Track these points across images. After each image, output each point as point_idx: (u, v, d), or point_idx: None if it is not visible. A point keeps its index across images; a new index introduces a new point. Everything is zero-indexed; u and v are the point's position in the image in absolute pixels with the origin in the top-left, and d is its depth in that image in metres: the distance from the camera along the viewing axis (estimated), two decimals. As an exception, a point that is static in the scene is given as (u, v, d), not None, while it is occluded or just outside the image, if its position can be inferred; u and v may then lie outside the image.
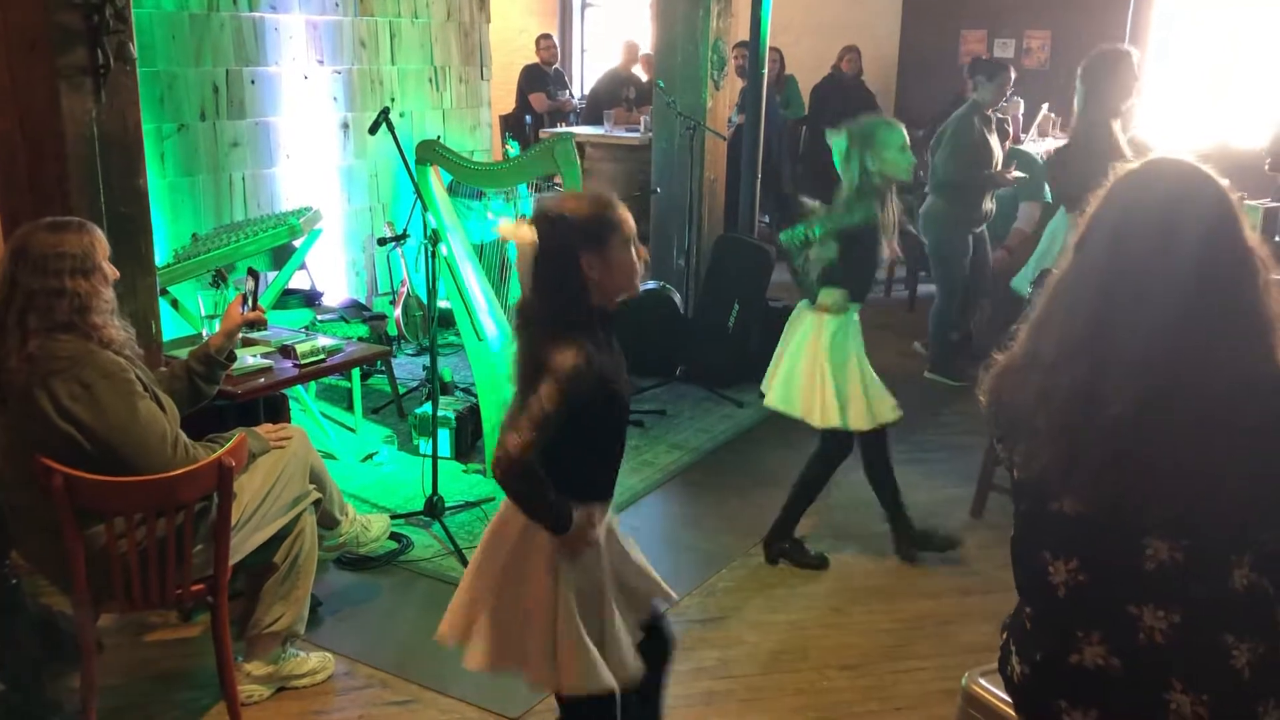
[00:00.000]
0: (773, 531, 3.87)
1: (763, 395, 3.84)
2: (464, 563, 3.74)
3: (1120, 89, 4.32)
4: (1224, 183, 1.59)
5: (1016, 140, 7.02)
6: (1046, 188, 6.08)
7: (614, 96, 9.07)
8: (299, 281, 5.33)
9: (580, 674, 2.17)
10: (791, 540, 3.87)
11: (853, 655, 3.31)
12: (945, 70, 9.13)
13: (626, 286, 2.19)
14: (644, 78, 9.05)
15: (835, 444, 3.73)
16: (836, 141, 3.57)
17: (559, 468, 2.13)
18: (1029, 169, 6.05)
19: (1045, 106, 7.88)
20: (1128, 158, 4.46)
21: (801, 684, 3.17)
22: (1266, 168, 4.91)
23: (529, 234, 2.13)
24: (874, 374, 3.70)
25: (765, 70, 6.20)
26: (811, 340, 3.65)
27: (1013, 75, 5.69)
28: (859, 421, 3.63)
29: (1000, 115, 6.46)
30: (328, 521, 3.33)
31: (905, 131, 3.56)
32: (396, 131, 3.95)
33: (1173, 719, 1.56)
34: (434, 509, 3.97)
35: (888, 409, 3.69)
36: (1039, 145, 7.40)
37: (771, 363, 3.81)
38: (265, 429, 3.13)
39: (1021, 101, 7.82)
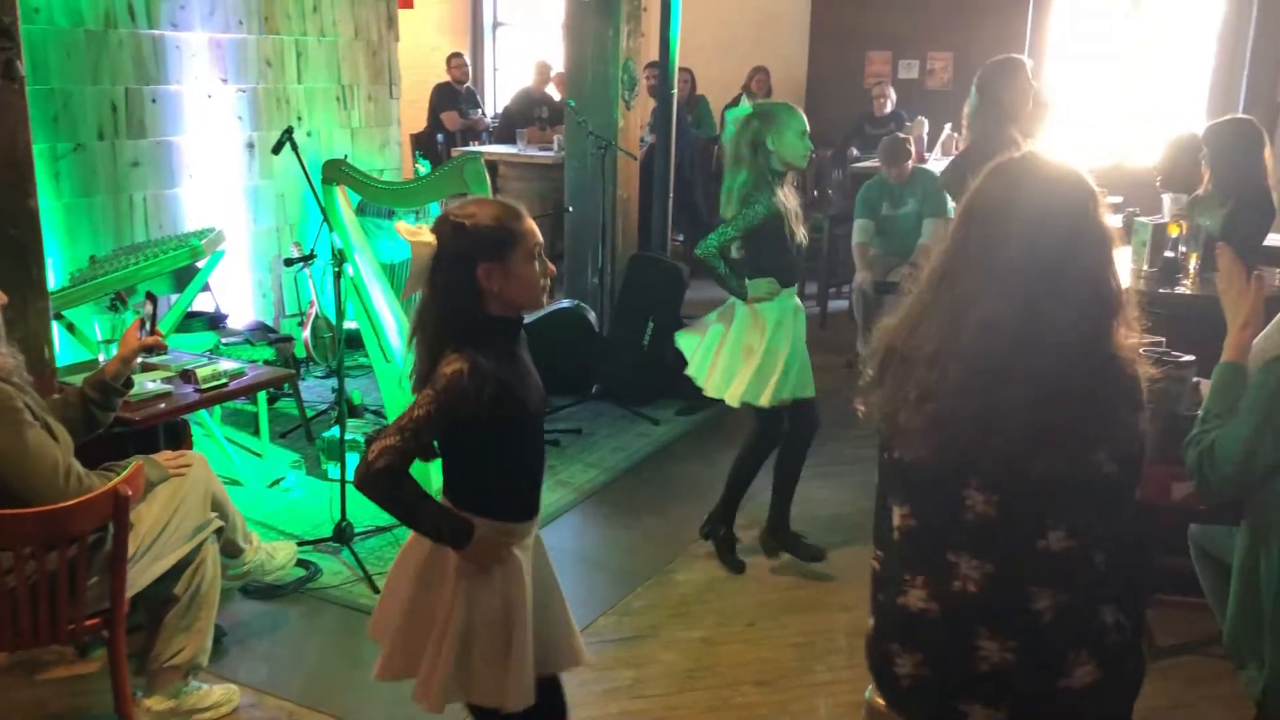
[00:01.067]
0: (713, 514, 3.98)
1: (686, 398, 3.86)
2: (374, 589, 3.68)
3: (1017, 96, 4.44)
4: (1080, 169, 1.68)
5: (921, 159, 7.17)
6: (950, 204, 6.21)
7: (527, 115, 9.07)
8: (203, 304, 5.20)
9: (486, 687, 2.14)
10: (728, 530, 3.95)
11: (767, 670, 3.33)
12: (852, 91, 9.31)
13: (528, 300, 2.14)
14: (557, 97, 9.06)
15: (765, 425, 3.80)
16: (737, 112, 3.60)
17: (467, 484, 2.11)
18: (932, 187, 6.18)
19: (948, 126, 8.06)
20: None
21: (715, 701, 3.18)
22: (1158, 185, 5.07)
23: (428, 238, 2.09)
24: (804, 358, 3.74)
25: (676, 90, 6.25)
26: (750, 327, 3.68)
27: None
28: (769, 397, 3.66)
29: (905, 135, 6.60)
30: (231, 550, 3.25)
31: (805, 120, 3.59)
32: (303, 151, 3.90)
33: (983, 665, 1.64)
34: (343, 535, 3.90)
35: (802, 386, 3.73)
36: (943, 163, 7.57)
37: (701, 350, 3.80)
38: (164, 456, 3.05)
39: (925, 121, 8.01)
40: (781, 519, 3.97)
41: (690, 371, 3.83)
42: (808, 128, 3.59)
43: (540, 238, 2.15)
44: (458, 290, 2.06)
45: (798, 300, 3.78)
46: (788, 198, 3.62)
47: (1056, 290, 1.60)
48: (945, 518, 1.67)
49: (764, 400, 3.67)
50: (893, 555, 1.74)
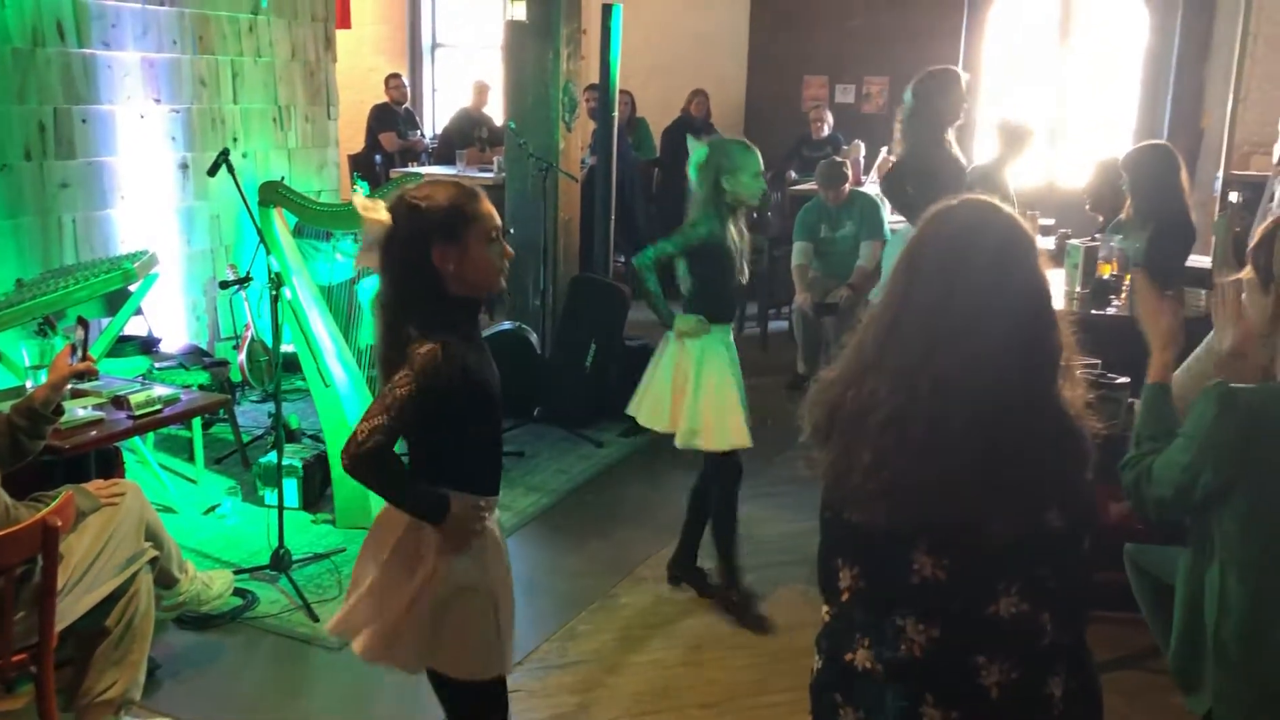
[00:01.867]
0: (676, 555, 3.93)
1: (630, 418, 3.81)
2: (313, 617, 3.62)
3: (950, 107, 4.52)
4: (1018, 218, 1.68)
5: (857, 182, 7.26)
6: (886, 227, 6.30)
7: (466, 136, 9.04)
8: (135, 327, 5.10)
9: (471, 660, 2.20)
10: (696, 569, 3.90)
11: (713, 693, 3.32)
12: (790, 114, 9.41)
13: (486, 282, 2.17)
14: (497, 117, 9.04)
15: (720, 467, 3.73)
16: (697, 150, 3.61)
17: (438, 461, 2.15)
18: (869, 210, 6.26)
19: (884, 150, 8.16)
20: (964, 169, 4.63)
21: (662, 725, 3.16)
22: (1087, 208, 5.19)
23: (382, 214, 2.10)
24: (736, 398, 3.66)
25: (616, 112, 6.27)
26: (678, 362, 3.64)
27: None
28: (710, 443, 3.63)
29: (841, 158, 6.69)
30: (166, 580, 3.17)
31: (760, 160, 3.62)
32: (239, 172, 3.84)
33: None
34: (280, 562, 3.83)
35: (737, 435, 3.65)
36: (879, 186, 7.68)
37: (640, 386, 3.78)
38: (95, 485, 2.97)
39: (862, 145, 8.11)
40: (690, 553, 3.91)
41: (629, 409, 3.80)
42: (762, 168, 3.62)
43: (498, 220, 2.18)
44: (414, 272, 2.09)
45: (730, 340, 3.74)
46: (737, 233, 3.62)
47: (1008, 346, 1.59)
48: (893, 580, 1.65)
49: (711, 445, 3.64)
50: (841, 612, 1.73)
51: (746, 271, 3.71)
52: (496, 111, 9.04)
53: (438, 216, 2.09)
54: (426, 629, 2.17)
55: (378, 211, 2.11)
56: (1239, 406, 1.92)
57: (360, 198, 2.17)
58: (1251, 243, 2.08)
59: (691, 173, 3.62)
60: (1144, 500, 2.10)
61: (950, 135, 4.60)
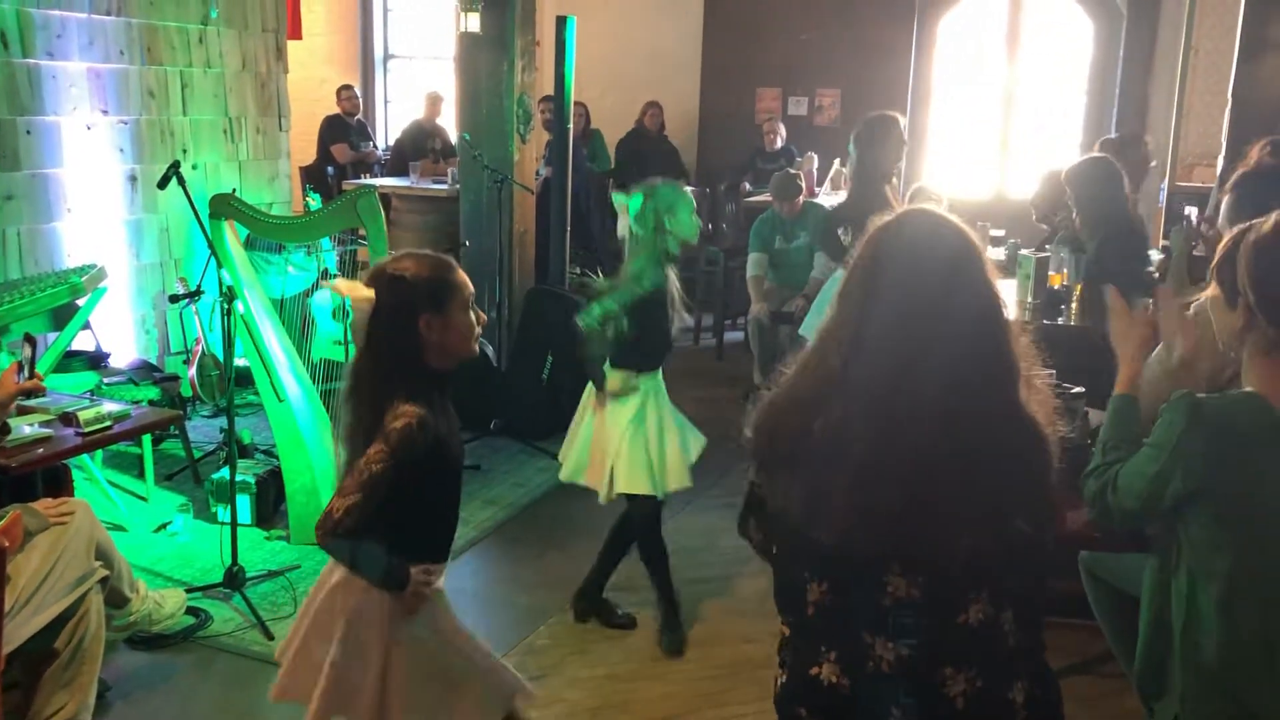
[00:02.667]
0: (580, 591, 3.82)
1: (534, 444, 3.77)
2: (268, 635, 3.56)
3: (889, 153, 4.61)
4: (968, 230, 1.67)
5: (811, 194, 7.32)
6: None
7: (419, 148, 8.99)
8: (83, 342, 5.01)
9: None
10: (600, 600, 3.82)
11: (674, 705, 3.32)
12: (743, 125, 9.47)
13: (464, 349, 2.21)
14: (449, 129, 9.01)
15: (640, 507, 3.65)
16: (632, 199, 3.54)
17: (396, 527, 2.13)
18: (821, 223, 6.30)
19: (837, 162, 8.25)
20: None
21: (623, 739, 3.15)
22: (1034, 218, 5.27)
23: (366, 292, 2.12)
24: (671, 443, 3.60)
25: (571, 124, 6.27)
26: (609, 414, 3.58)
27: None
28: (633, 486, 3.56)
29: (795, 170, 6.74)
30: (116, 600, 3.11)
31: (692, 198, 3.60)
32: (189, 184, 3.79)
33: None
34: (234, 580, 3.77)
35: (673, 478, 3.60)
36: (833, 198, 7.74)
37: (568, 434, 3.75)
38: (44, 504, 2.91)
39: (815, 157, 8.18)
40: (598, 585, 3.84)
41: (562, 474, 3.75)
42: (694, 204, 3.59)
43: (471, 287, 2.23)
44: (401, 343, 2.12)
45: (660, 383, 3.68)
46: (672, 279, 3.58)
47: (973, 360, 1.59)
48: (864, 600, 1.65)
49: (633, 488, 3.57)
50: (805, 626, 1.72)
51: (684, 316, 3.65)
52: (449, 123, 9.01)
53: (423, 286, 2.13)
54: (396, 701, 2.18)
55: (360, 290, 2.13)
56: (1207, 416, 1.94)
57: (341, 281, 2.20)
58: (1215, 259, 2.09)
59: (632, 223, 3.55)
60: (1108, 509, 2.12)
61: (891, 182, 4.69)
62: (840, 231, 4.71)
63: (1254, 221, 2.03)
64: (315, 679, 2.21)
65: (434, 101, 9.32)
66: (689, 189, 3.63)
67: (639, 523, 3.68)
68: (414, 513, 2.17)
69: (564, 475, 3.74)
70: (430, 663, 2.21)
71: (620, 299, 3.51)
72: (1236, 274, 2.01)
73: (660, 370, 3.69)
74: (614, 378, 3.56)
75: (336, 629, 2.19)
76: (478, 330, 2.23)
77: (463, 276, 2.21)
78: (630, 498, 3.62)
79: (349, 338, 5.00)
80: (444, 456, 2.16)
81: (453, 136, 9.23)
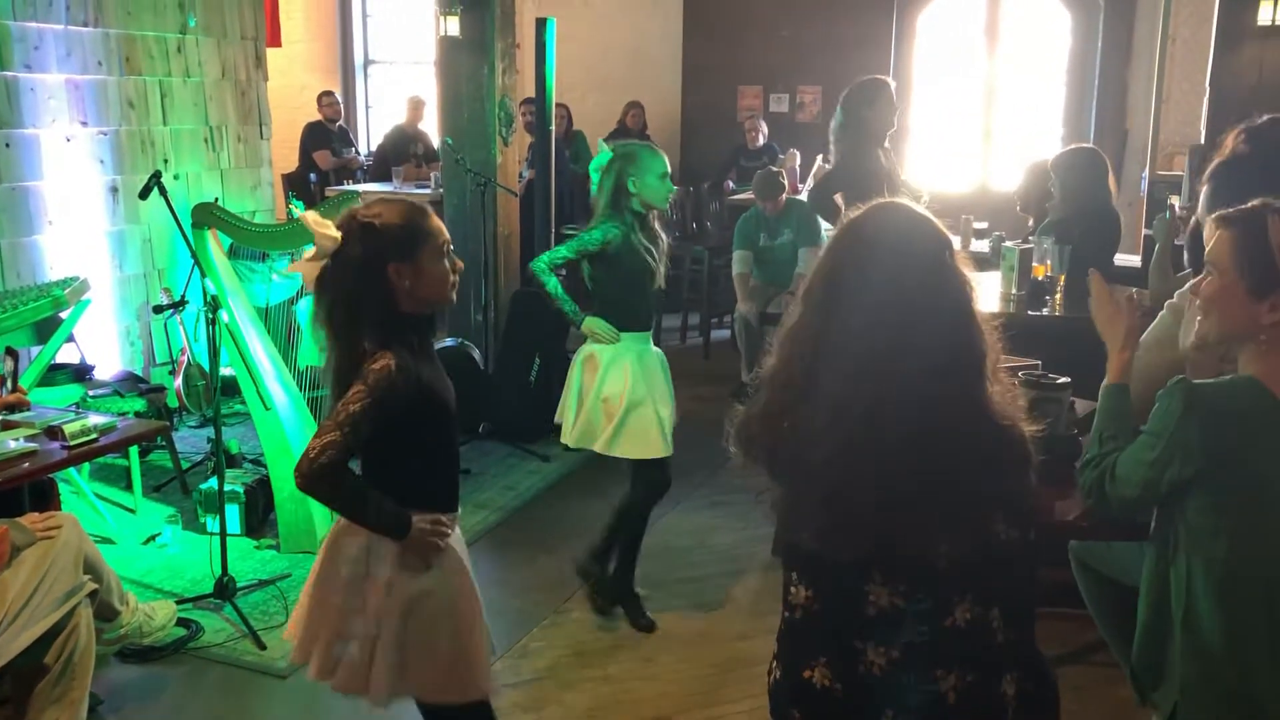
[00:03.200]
0: (589, 557, 3.81)
1: (558, 433, 3.73)
2: (260, 645, 3.55)
3: (880, 116, 4.57)
4: (938, 224, 1.66)
5: (794, 190, 7.33)
6: (824, 234, 6.36)
7: (402, 153, 8.98)
8: (68, 355, 4.98)
9: (445, 680, 2.19)
10: (605, 574, 3.80)
11: (667, 705, 3.32)
12: (725, 124, 9.49)
13: (439, 296, 2.19)
14: (431, 133, 9.00)
15: (643, 476, 3.66)
16: (600, 156, 3.55)
17: (396, 478, 2.13)
18: (807, 218, 6.32)
19: (820, 158, 8.25)
20: (894, 181, 4.67)
21: (618, 739, 3.15)
22: (1018, 209, 5.28)
23: (333, 233, 2.10)
24: (650, 412, 3.56)
25: (553, 126, 6.26)
26: (585, 375, 3.60)
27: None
28: (605, 448, 3.56)
29: (778, 167, 6.75)
30: (106, 613, 3.10)
31: (667, 162, 3.57)
32: (171, 194, 3.78)
33: None
34: (224, 590, 3.75)
35: (637, 446, 3.57)
36: (807, 197, 7.75)
37: (561, 399, 3.74)
38: (30, 519, 2.90)
39: (798, 154, 8.19)
40: (627, 576, 3.82)
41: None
42: (669, 170, 3.56)
43: (447, 234, 2.21)
44: (368, 289, 2.09)
45: (654, 348, 3.67)
46: (649, 238, 3.54)
47: (938, 358, 1.58)
48: (848, 609, 1.65)
49: (600, 448, 3.57)
50: (796, 627, 1.72)
51: (661, 278, 3.62)
52: (432, 127, 9.00)
53: (393, 234, 2.10)
54: (391, 650, 2.14)
55: (327, 227, 2.11)
56: (1203, 402, 1.94)
57: (313, 214, 2.16)
58: (1231, 247, 2.05)
59: (592, 174, 3.57)
60: (1107, 498, 2.12)
61: (884, 145, 4.66)
62: (837, 197, 4.67)
63: (1271, 204, 2.00)
64: (315, 635, 2.19)
65: (415, 106, 9.31)
66: (664, 156, 3.59)
67: (645, 491, 3.66)
68: (410, 459, 2.16)
69: (571, 441, 3.68)
70: (436, 617, 2.17)
71: (570, 247, 3.55)
72: (1266, 263, 1.97)
73: (649, 334, 3.67)
74: (594, 321, 3.56)
75: (339, 577, 2.17)
76: (453, 277, 2.20)
77: (436, 223, 2.18)
78: (636, 466, 3.62)
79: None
80: (431, 400, 2.14)
81: (435, 140, 9.24)
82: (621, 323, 3.58)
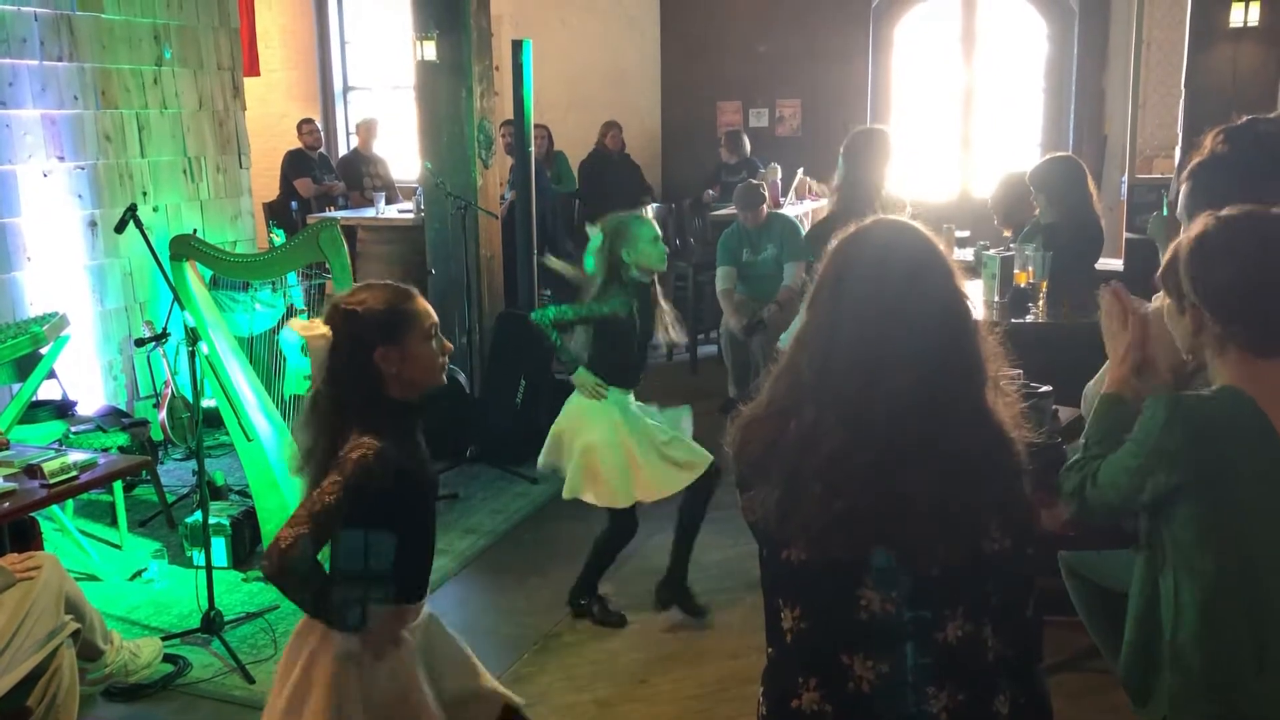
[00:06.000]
0: (575, 588, 3.93)
1: (511, 469, 3.87)
2: (248, 679, 3.51)
3: (877, 165, 4.62)
4: (932, 235, 1.69)
5: (776, 204, 7.34)
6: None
7: (355, 177, 9.09)
8: (49, 392, 4.95)
9: None
10: (595, 596, 3.92)
11: (662, 727, 3.29)
12: (705, 140, 9.50)
13: (427, 379, 2.17)
14: (411, 157, 9.01)
15: (618, 520, 3.78)
16: (593, 237, 3.67)
17: (364, 566, 2.09)
18: (789, 231, 6.32)
19: (800, 171, 8.28)
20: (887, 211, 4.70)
21: (612, 764, 3.12)
22: (995, 223, 5.29)
23: (322, 330, 2.09)
24: (632, 461, 3.66)
25: (533, 147, 6.26)
26: (575, 415, 3.72)
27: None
28: (599, 498, 3.69)
29: (759, 181, 6.74)
30: (90, 653, 3.06)
31: (656, 226, 3.68)
32: (151, 226, 3.78)
33: None
34: (212, 624, 3.71)
35: (621, 496, 3.68)
36: (797, 208, 7.76)
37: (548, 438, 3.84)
38: (10, 560, 2.86)
39: (779, 167, 8.20)
40: (680, 573, 3.94)
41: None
42: (659, 233, 3.67)
43: (434, 316, 2.19)
44: (356, 377, 2.08)
45: (634, 403, 3.78)
46: (648, 303, 3.68)
47: (940, 364, 1.59)
48: (838, 619, 1.63)
49: (598, 500, 3.70)
50: (785, 655, 1.70)
51: (673, 334, 3.79)
52: (411, 150, 9.01)
53: (377, 319, 2.10)
54: None
55: (316, 328, 2.11)
56: (1188, 413, 1.94)
57: (298, 321, 2.17)
58: (1160, 270, 2.09)
59: (587, 260, 3.68)
60: (1088, 502, 2.11)
61: (881, 196, 4.67)
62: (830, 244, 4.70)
63: (1195, 226, 2.04)
64: None
65: (366, 129, 9.37)
66: (652, 211, 3.68)
67: (618, 532, 3.80)
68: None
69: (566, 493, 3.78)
70: (381, 711, 2.11)
71: (578, 311, 3.67)
72: (1179, 281, 2.02)
73: (631, 392, 3.78)
74: (581, 375, 3.69)
75: (291, 675, 2.12)
76: (443, 360, 2.19)
77: (423, 305, 2.17)
78: (610, 512, 3.75)
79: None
80: (409, 489, 2.11)
81: (403, 163, 9.28)
82: (610, 378, 3.71)
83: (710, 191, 8.58)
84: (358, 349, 2.08)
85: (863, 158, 4.57)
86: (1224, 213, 2.00)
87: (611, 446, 3.65)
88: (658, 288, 3.76)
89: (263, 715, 2.20)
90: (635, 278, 3.63)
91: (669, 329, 3.77)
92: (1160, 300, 2.10)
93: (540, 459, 3.83)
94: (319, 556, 2.05)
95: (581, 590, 3.92)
